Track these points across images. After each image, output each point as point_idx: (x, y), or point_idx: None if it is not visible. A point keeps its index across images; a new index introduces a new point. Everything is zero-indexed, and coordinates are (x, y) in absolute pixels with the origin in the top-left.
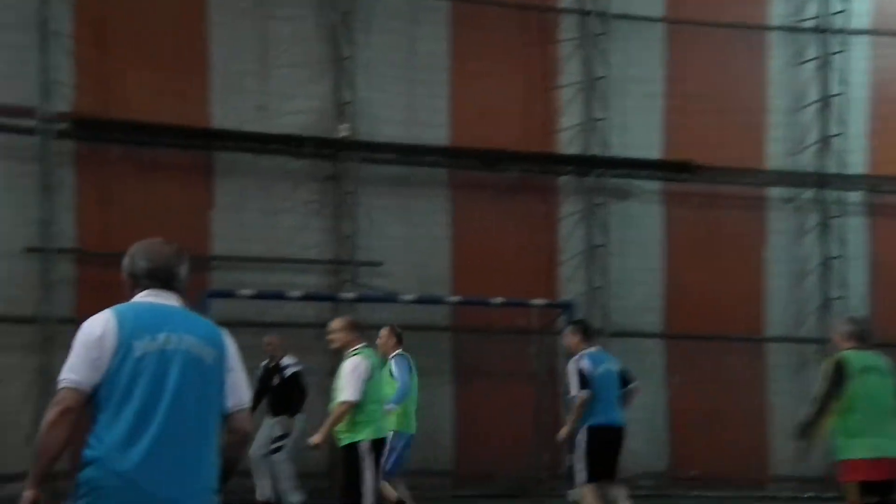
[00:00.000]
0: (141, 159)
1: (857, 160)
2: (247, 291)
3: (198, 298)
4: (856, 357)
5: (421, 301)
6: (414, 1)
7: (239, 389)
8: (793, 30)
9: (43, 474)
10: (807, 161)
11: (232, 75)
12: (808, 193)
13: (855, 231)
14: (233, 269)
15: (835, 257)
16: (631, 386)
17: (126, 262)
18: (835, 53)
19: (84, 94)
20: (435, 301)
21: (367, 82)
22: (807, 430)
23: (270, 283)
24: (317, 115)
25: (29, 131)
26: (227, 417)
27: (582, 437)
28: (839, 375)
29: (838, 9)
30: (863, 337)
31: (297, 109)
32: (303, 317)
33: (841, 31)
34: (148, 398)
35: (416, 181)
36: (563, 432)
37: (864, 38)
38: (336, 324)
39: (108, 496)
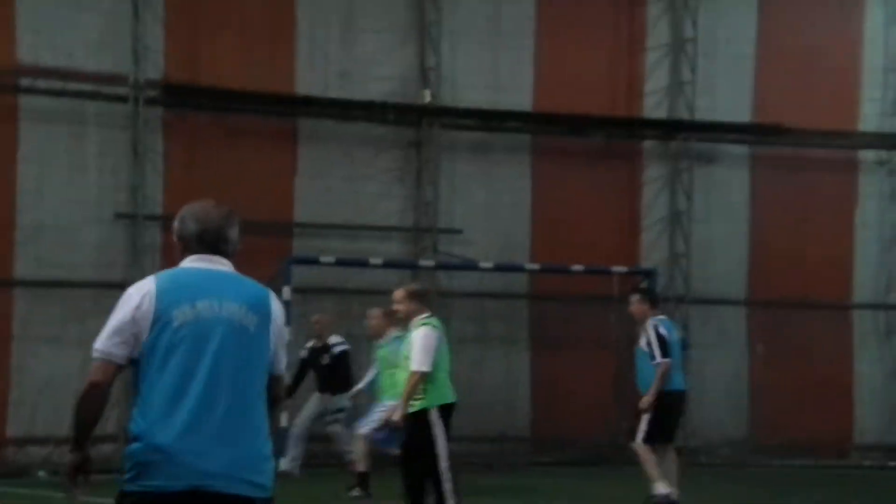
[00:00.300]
0: (227, 126)
1: None
2: (329, 258)
3: (280, 265)
4: None
5: (500, 269)
6: None
7: (279, 357)
8: None
9: (81, 442)
10: (877, 121)
11: (317, 42)
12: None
13: None
14: (315, 235)
15: None
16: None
17: (176, 224)
18: None
19: (173, 61)
20: (515, 269)
21: (452, 48)
22: None
23: (352, 250)
24: (400, 81)
25: (121, 99)
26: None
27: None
28: None
29: None
30: None
31: (381, 76)
32: (384, 284)
33: None
34: (185, 370)
35: (499, 147)
36: (647, 400)
37: None
38: (398, 294)
39: (152, 471)
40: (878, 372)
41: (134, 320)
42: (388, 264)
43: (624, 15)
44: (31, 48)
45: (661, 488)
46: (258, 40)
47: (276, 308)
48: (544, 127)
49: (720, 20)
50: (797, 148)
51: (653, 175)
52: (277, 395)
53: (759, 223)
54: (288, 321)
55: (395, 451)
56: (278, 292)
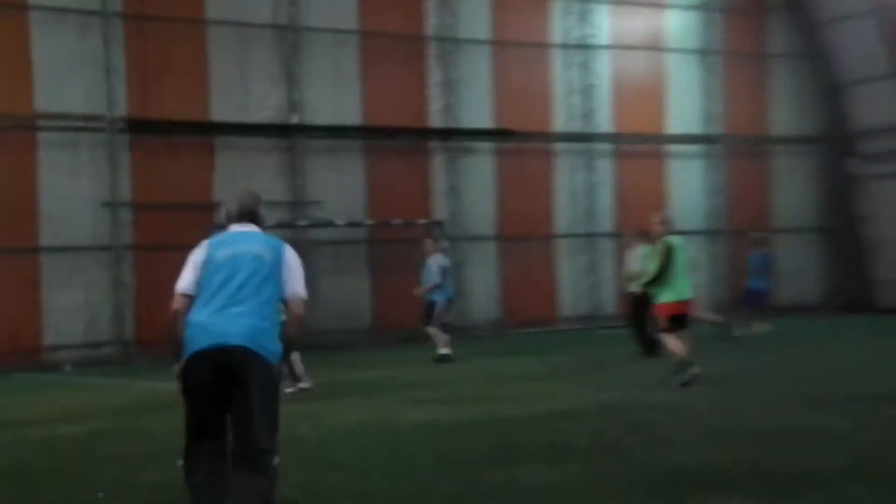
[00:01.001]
0: (169, 143)
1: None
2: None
3: (206, 229)
4: (675, 240)
5: (349, 225)
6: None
7: (293, 283)
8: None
9: (177, 354)
10: (575, 125)
11: (224, 85)
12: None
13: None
14: None
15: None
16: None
17: (223, 208)
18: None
19: (132, 104)
20: (357, 224)
21: (310, 86)
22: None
23: None
24: (278, 110)
25: (101, 130)
26: (286, 303)
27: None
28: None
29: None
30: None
31: (265, 106)
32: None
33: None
34: (221, 281)
35: (342, 148)
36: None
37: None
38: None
39: (195, 339)
40: (573, 272)
41: (195, 265)
42: (277, 225)
43: (415, 60)
44: (43, 100)
45: (444, 349)
46: (185, 86)
47: (288, 252)
48: (370, 134)
49: (472, 65)
50: (519, 143)
51: (437, 162)
52: (294, 312)
53: (502, 190)
54: None
55: None
56: None
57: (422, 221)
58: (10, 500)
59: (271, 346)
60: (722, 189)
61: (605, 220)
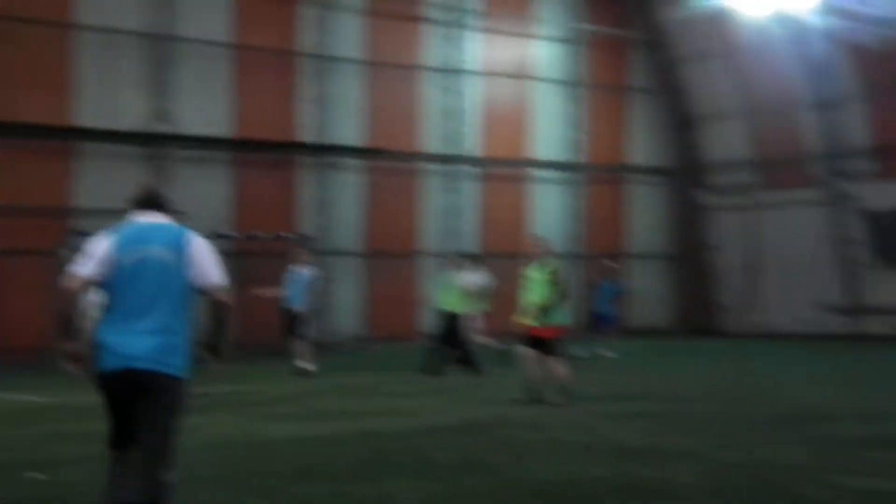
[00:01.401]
0: (33, 148)
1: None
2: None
3: (66, 235)
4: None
5: (215, 236)
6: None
7: (206, 273)
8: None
9: (66, 334)
10: (443, 147)
11: (90, 92)
12: (444, 168)
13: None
14: (90, 216)
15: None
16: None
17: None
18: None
19: None
20: (224, 236)
21: (180, 97)
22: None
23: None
24: (146, 118)
25: None
26: (206, 293)
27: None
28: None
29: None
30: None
31: (133, 114)
32: None
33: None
34: (128, 293)
35: (208, 158)
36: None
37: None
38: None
39: (101, 359)
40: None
41: (101, 257)
42: None
43: (287, 75)
44: None
45: (306, 364)
46: (49, 90)
47: (194, 245)
48: (239, 147)
49: (344, 83)
50: (388, 162)
51: (306, 178)
52: (216, 299)
53: (370, 207)
54: None
55: None
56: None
57: (289, 235)
58: None
59: (178, 361)
60: (581, 214)
61: (470, 239)
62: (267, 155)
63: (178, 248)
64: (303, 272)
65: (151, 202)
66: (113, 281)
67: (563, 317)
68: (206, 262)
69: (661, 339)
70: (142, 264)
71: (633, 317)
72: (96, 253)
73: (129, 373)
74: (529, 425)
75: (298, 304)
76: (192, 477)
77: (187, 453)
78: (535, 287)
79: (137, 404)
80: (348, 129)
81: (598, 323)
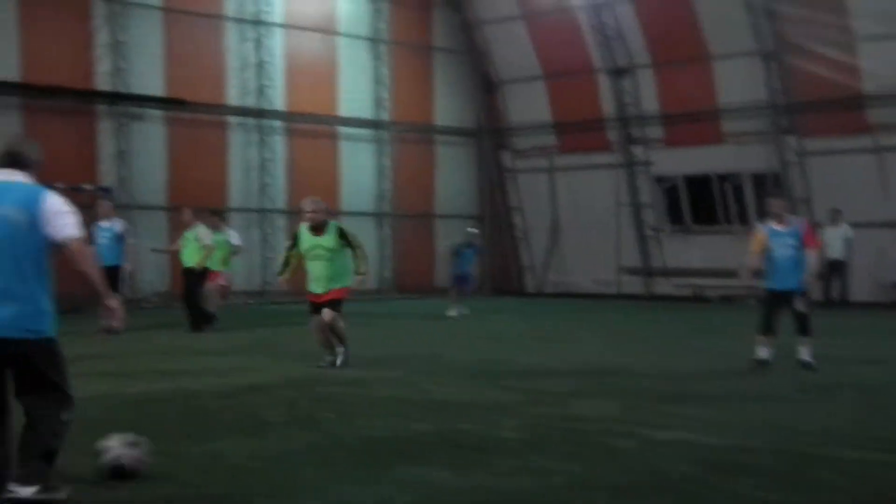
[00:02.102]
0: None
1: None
2: None
3: None
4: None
5: None
6: None
7: (61, 228)
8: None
9: None
10: (249, 100)
11: None
12: (250, 121)
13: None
14: None
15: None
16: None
17: None
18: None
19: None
20: None
21: None
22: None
23: None
24: None
25: None
26: (63, 249)
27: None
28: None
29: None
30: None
31: None
32: None
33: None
34: None
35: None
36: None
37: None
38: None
39: None
40: (246, 246)
41: None
42: None
43: (81, 19)
44: None
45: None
46: None
47: (48, 202)
48: (29, 92)
49: (142, 30)
50: (192, 114)
51: (105, 127)
52: (74, 253)
53: (173, 160)
54: None
55: None
56: None
57: (88, 187)
58: None
59: (39, 325)
60: (389, 173)
61: (279, 196)
62: (61, 102)
63: (31, 204)
64: (112, 226)
65: (10, 159)
66: None
67: (349, 279)
68: (61, 216)
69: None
70: None
71: (445, 277)
72: None
73: None
74: (351, 383)
75: (111, 260)
76: None
77: None
78: (322, 254)
79: (6, 371)
80: (149, 78)
81: (460, 284)
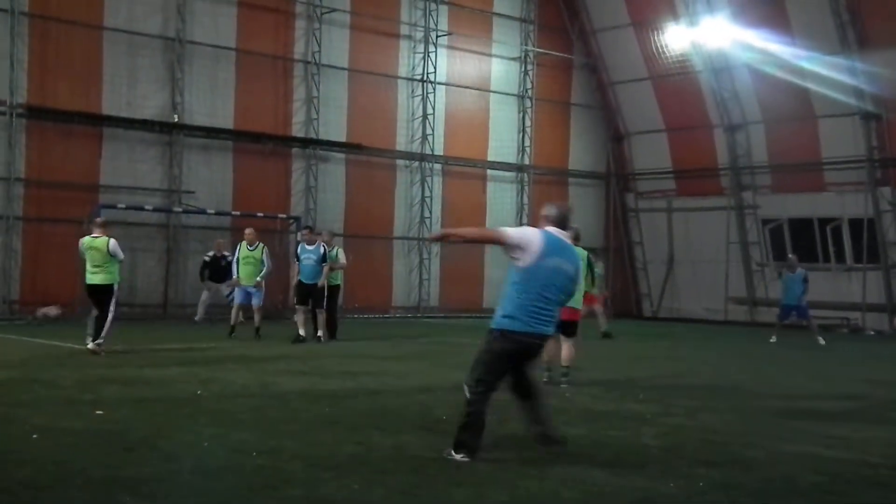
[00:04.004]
0: (62, 131)
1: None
2: (122, 204)
3: (93, 208)
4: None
5: (217, 213)
6: None
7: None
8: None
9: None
10: (406, 144)
11: (115, 83)
12: (414, 164)
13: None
14: (113, 192)
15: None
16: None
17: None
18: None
19: (32, 94)
20: (225, 213)
21: (189, 92)
22: None
23: (133, 200)
24: (161, 108)
25: (2, 113)
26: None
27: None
28: None
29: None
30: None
31: (150, 105)
32: (152, 219)
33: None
34: None
35: (214, 146)
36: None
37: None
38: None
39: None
40: (405, 269)
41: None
42: (156, 209)
43: (282, 78)
44: None
45: (302, 332)
46: (80, 81)
47: (579, 258)
48: (240, 137)
49: (331, 87)
50: (367, 156)
51: (297, 166)
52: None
53: (351, 195)
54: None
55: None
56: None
57: (282, 216)
58: None
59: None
60: (528, 210)
61: (435, 227)
62: (264, 145)
63: (577, 263)
64: (315, 249)
65: (563, 221)
66: None
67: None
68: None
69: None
70: None
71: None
72: None
73: None
74: (505, 389)
75: (312, 278)
76: (223, 420)
77: (211, 399)
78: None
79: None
80: (334, 126)
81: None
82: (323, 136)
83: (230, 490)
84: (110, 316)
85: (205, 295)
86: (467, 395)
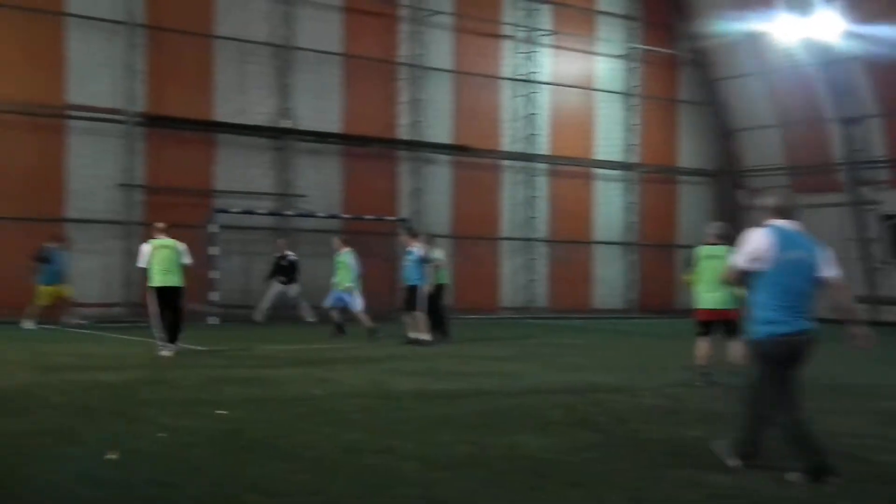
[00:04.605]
0: (177, 138)
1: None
2: (236, 209)
3: (208, 213)
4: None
5: (328, 217)
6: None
7: (828, 268)
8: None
9: None
10: (511, 145)
11: (227, 91)
12: (519, 164)
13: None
14: (228, 197)
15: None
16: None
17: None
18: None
19: (151, 102)
20: (335, 217)
21: (301, 97)
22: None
23: (247, 205)
24: (272, 115)
25: (121, 122)
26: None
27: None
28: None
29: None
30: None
31: (261, 111)
32: (265, 222)
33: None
34: None
35: (324, 150)
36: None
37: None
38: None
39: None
40: (512, 269)
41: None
42: (268, 213)
43: (388, 82)
44: (74, 93)
45: (424, 336)
46: (193, 89)
47: (818, 247)
48: (348, 141)
49: (435, 89)
50: (473, 158)
51: (404, 169)
52: (834, 284)
53: (457, 196)
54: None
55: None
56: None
57: (389, 218)
58: (88, 434)
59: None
60: (636, 208)
61: (542, 227)
62: (371, 148)
63: (813, 252)
64: (414, 251)
65: (789, 212)
66: None
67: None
68: (827, 259)
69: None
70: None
71: (684, 299)
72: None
73: None
74: (618, 390)
75: (413, 280)
76: (337, 420)
77: (326, 399)
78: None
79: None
80: (440, 128)
81: None
82: (428, 138)
83: (347, 489)
84: (183, 318)
85: (271, 294)
86: (790, 430)
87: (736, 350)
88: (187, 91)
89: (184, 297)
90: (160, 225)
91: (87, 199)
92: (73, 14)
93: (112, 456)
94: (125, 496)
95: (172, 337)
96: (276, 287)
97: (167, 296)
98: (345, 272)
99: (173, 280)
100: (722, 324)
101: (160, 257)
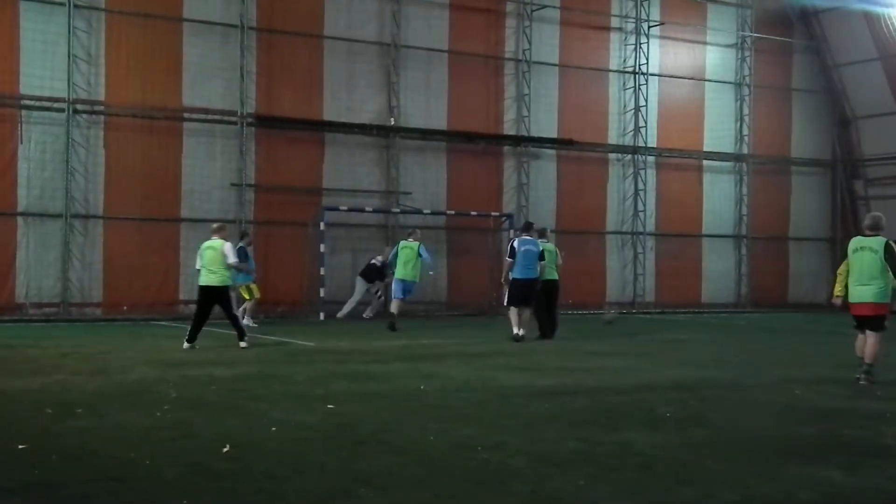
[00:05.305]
0: (287, 138)
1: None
2: (343, 207)
3: (316, 210)
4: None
5: (433, 213)
6: None
7: None
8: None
9: None
10: (619, 138)
11: (334, 90)
12: (627, 157)
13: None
14: (335, 195)
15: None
16: (541, 261)
17: None
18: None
19: (260, 103)
20: (440, 213)
21: (405, 95)
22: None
23: (354, 203)
24: (378, 113)
25: (233, 123)
26: None
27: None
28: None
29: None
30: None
31: (368, 110)
32: (371, 220)
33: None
34: None
35: (429, 148)
36: (502, 279)
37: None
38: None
39: None
40: (619, 264)
41: None
42: (375, 210)
43: (493, 77)
44: (189, 96)
45: (516, 330)
46: (303, 90)
47: None
48: (453, 138)
49: (541, 83)
50: (579, 151)
51: (509, 164)
52: None
53: (563, 191)
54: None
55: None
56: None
57: (494, 214)
58: (204, 427)
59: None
60: (748, 200)
61: (650, 221)
62: (476, 145)
63: None
64: (542, 245)
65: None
66: None
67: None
68: None
69: (819, 311)
70: None
71: (797, 293)
72: None
73: None
74: (732, 386)
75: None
76: (446, 415)
77: (433, 394)
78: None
79: None
80: (545, 122)
81: None
82: (534, 132)
83: (458, 484)
84: (233, 314)
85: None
86: None
87: (868, 346)
88: (297, 91)
89: (228, 296)
90: (214, 226)
91: (200, 199)
92: (189, 19)
93: (226, 449)
94: (242, 489)
95: (192, 336)
96: (363, 286)
97: (208, 295)
98: (414, 265)
99: (213, 279)
100: (870, 318)
101: (207, 258)
